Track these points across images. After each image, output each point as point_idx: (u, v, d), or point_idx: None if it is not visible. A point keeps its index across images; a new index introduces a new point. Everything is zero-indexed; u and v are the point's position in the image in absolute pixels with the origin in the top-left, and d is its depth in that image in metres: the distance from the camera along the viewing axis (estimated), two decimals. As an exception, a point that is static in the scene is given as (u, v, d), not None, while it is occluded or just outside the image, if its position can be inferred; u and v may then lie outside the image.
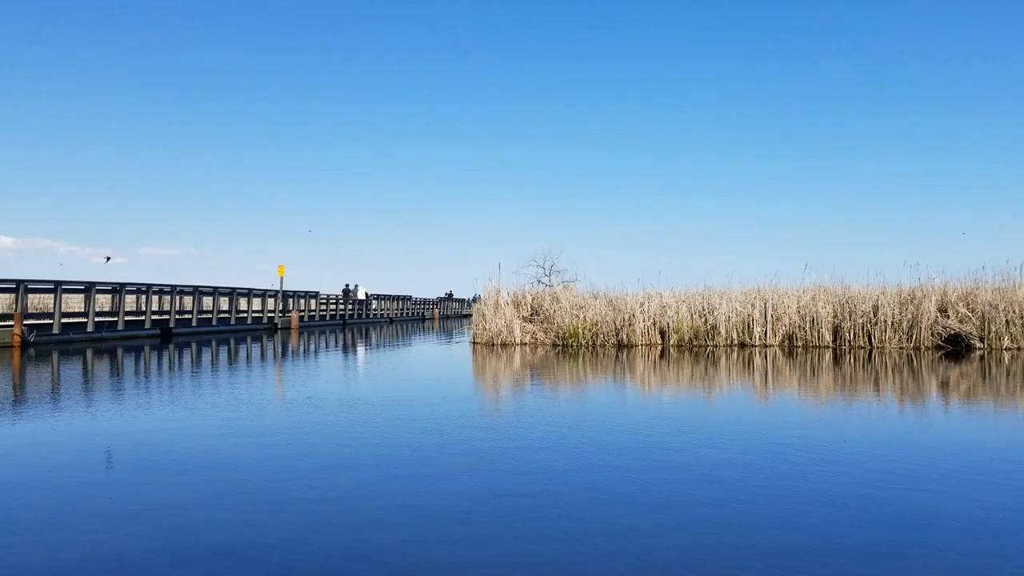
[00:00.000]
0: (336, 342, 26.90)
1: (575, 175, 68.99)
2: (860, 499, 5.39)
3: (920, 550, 4.33)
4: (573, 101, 68.32)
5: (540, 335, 23.36)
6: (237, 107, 69.69)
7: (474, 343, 23.77)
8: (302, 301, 38.72)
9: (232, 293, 32.09)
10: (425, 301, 62.44)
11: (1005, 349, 19.80)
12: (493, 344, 23.05)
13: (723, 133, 62.72)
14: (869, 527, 4.73)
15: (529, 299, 24.98)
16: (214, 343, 23.97)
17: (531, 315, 24.47)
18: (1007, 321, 20.09)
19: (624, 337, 22.54)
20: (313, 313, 40.25)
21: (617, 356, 19.19)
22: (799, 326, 21.79)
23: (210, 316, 30.54)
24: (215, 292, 30.97)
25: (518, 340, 23.14)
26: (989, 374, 14.72)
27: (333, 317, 43.31)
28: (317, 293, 41.04)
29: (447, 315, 66.34)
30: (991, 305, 20.27)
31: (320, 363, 17.90)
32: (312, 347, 23.54)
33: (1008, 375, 14.45)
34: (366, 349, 23.80)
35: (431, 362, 19.45)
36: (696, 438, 7.80)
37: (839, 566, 4.06)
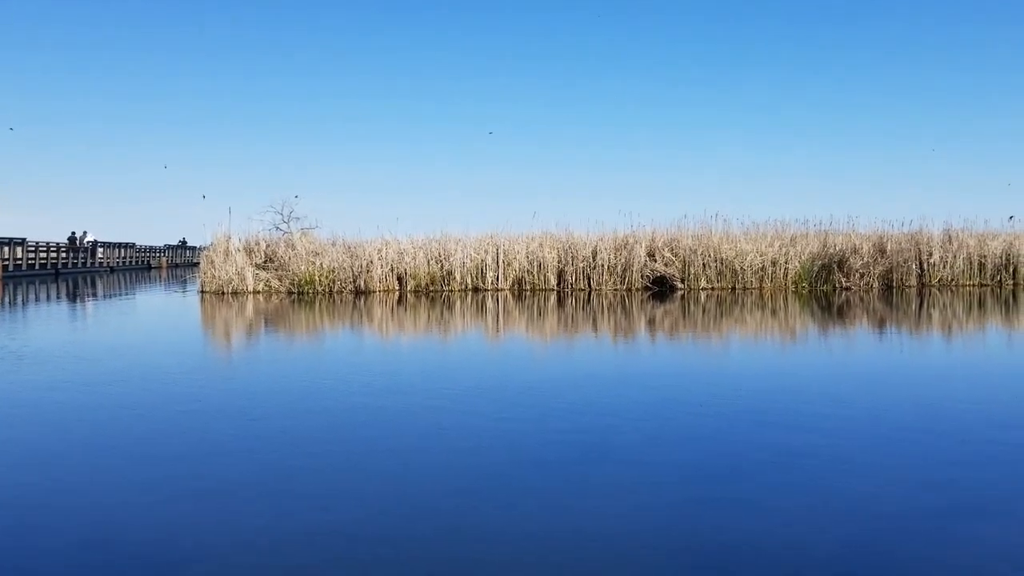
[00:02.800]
0: (41, 294, 24.50)
1: (315, 120, 67.04)
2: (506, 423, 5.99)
3: (597, 461, 4.94)
4: (318, 49, 66.10)
5: (275, 283, 22.82)
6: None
7: (203, 292, 22.73)
8: (5, 249, 34.70)
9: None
10: (151, 249, 58.16)
11: (702, 289, 22.30)
12: (223, 293, 22.19)
13: (456, 82, 63.76)
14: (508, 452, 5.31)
15: (263, 246, 24.25)
16: None
17: (265, 262, 23.79)
18: (704, 264, 22.60)
19: (362, 284, 22.64)
20: (19, 262, 36.23)
21: (354, 303, 19.28)
22: (528, 271, 23.05)
23: None
24: None
25: (250, 288, 22.46)
26: (687, 311, 16.59)
27: (44, 266, 39.24)
28: (24, 240, 36.88)
29: (177, 263, 62.35)
30: (691, 250, 22.68)
31: None
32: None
33: (703, 312, 16.35)
34: (71, 300, 21.95)
35: (137, 313, 18.39)
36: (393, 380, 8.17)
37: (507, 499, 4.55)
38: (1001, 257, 23.70)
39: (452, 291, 22.60)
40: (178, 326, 15.54)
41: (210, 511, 4.09)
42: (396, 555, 3.48)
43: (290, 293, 22.18)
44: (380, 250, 23.06)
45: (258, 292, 22.39)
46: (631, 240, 23.20)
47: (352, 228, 47.87)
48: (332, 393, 7.38)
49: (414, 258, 22.96)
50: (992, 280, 23.58)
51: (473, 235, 24.20)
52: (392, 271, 22.90)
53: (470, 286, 22.98)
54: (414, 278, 22.82)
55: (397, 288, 22.78)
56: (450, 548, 3.56)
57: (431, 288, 22.86)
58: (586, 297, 20.61)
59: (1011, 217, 25.54)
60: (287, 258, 23.24)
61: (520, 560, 3.42)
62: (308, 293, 22.06)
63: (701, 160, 56.27)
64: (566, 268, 23.00)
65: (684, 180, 54.81)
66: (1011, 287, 22.86)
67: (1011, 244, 23.81)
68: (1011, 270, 23.62)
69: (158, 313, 19.10)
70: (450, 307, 17.96)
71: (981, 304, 17.79)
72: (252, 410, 6.68)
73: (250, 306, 18.55)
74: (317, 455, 5.14)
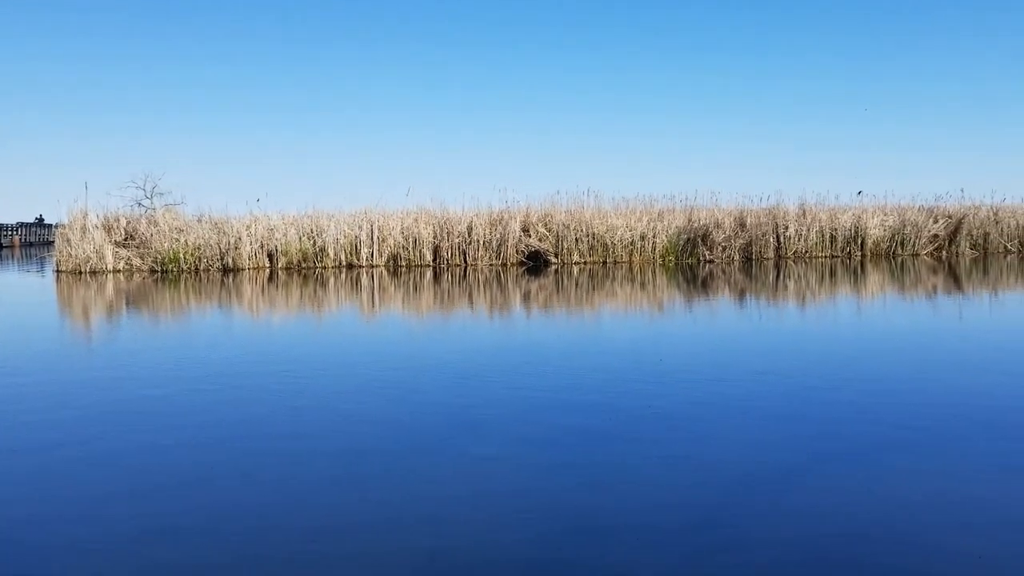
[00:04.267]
0: None
1: (179, 89, 63.82)
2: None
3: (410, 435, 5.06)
4: (179, 12, 62.78)
5: (136, 261, 21.82)
6: None
7: (58, 271, 21.51)
8: None
9: None
10: (1, 227, 54.15)
11: (575, 263, 22.78)
12: (81, 272, 21.06)
13: (327, 50, 62.03)
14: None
15: (123, 223, 23.11)
16: None
17: (126, 239, 22.69)
18: (576, 239, 23.07)
19: (230, 261, 21.95)
20: None
21: (222, 281, 18.70)
22: (403, 247, 22.92)
23: None
24: None
25: (110, 267, 21.41)
26: (560, 285, 16.94)
27: None
28: None
29: (31, 242, 58.40)
30: (564, 225, 23.10)
31: None
32: None
33: (576, 285, 16.74)
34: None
35: None
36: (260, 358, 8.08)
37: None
38: (850, 230, 25.21)
39: (325, 268, 22.23)
40: (28, 306, 14.69)
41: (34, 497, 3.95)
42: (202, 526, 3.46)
43: (153, 272, 21.28)
44: (249, 226, 22.39)
45: (118, 271, 21.38)
46: (506, 216, 23.40)
47: (220, 204, 46.12)
48: (173, 378, 7.19)
49: (285, 234, 22.43)
50: (842, 252, 25.09)
51: (347, 210, 23.85)
52: (262, 248, 22.30)
53: (344, 263, 22.66)
54: (285, 255, 22.31)
55: (268, 265, 22.21)
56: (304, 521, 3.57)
57: (303, 265, 22.41)
58: (462, 272, 20.71)
59: (860, 192, 27.23)
60: (149, 235, 22.24)
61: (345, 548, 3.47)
62: (172, 271, 21.22)
63: (573, 136, 57.15)
64: (442, 244, 23.00)
65: (557, 156, 55.54)
66: (859, 258, 24.41)
67: (859, 218, 25.37)
68: (859, 242, 25.19)
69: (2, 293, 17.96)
70: (323, 284, 17.70)
71: (832, 274, 18.95)
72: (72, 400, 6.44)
73: (110, 286, 17.71)
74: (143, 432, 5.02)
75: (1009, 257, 24.65)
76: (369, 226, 22.89)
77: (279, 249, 22.27)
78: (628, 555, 3.13)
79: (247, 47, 59.23)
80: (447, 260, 22.93)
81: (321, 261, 22.54)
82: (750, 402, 5.75)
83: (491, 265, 22.72)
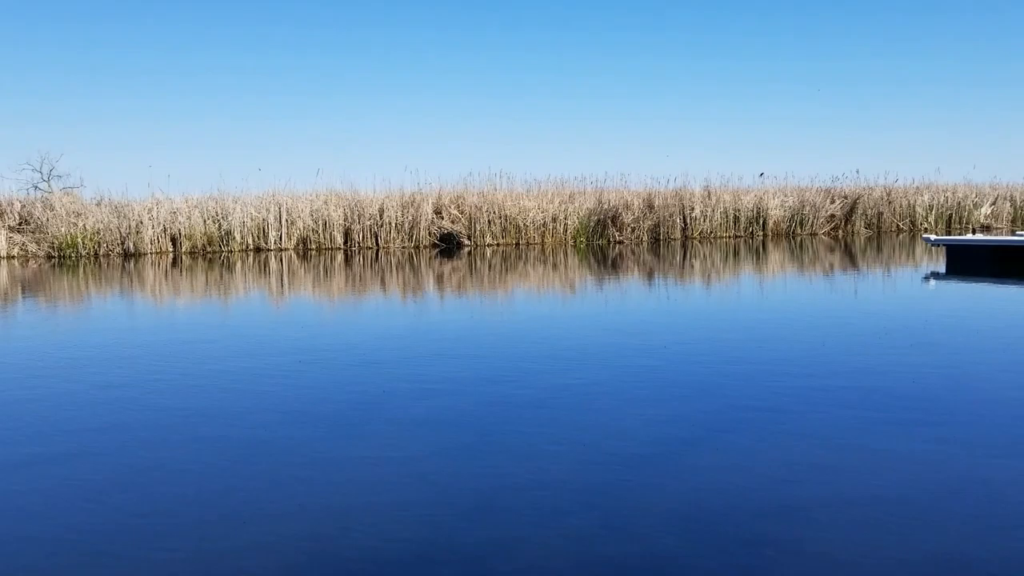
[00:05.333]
0: None
1: (77, 71, 60.94)
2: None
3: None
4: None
5: (32, 247, 20.90)
6: None
7: (-56, 258, 20.44)
8: None
9: None
10: None
11: (487, 245, 22.86)
12: (-30, 259, 20.06)
13: (232, 30, 60.21)
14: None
15: (18, 206, 22.09)
16: None
17: (20, 224, 21.69)
18: (489, 221, 23.15)
19: (131, 246, 21.24)
20: None
21: (123, 266, 18.11)
22: (313, 229, 22.59)
23: None
24: None
25: (3, 253, 20.45)
26: (474, 267, 17.01)
27: None
28: None
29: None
30: (477, 207, 23.14)
31: None
32: None
33: (489, 267, 16.83)
34: None
35: None
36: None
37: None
38: (753, 211, 26.01)
39: (232, 252, 21.74)
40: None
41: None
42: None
43: (50, 257, 20.43)
44: (151, 209, 21.69)
45: (12, 257, 20.45)
46: (418, 198, 23.30)
47: (120, 186, 44.39)
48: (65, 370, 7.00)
49: (189, 217, 21.82)
50: (745, 232, 25.88)
51: (254, 192, 23.35)
52: (165, 232, 21.65)
53: (251, 246, 22.21)
54: (189, 239, 21.71)
55: (171, 250, 21.58)
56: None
57: (209, 249, 21.86)
58: (374, 255, 20.56)
59: (761, 174, 28.12)
60: (45, 219, 21.31)
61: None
62: (71, 257, 20.41)
63: (485, 119, 57.05)
64: (353, 226, 22.76)
65: (469, 138, 55.37)
66: (761, 238, 25.23)
67: (761, 199, 26.19)
68: (761, 222, 26.02)
69: None
70: (230, 269, 17.32)
71: (736, 253, 19.56)
72: None
73: (3, 273, 16.93)
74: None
75: (901, 235, 25.87)
76: (277, 209, 22.47)
77: (183, 233, 21.66)
78: (515, 532, 3.23)
79: (144, 27, 57.03)
80: (358, 243, 22.71)
81: (227, 245, 22.03)
82: (639, 381, 5.94)
83: (403, 248, 22.61)
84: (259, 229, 22.36)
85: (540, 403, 5.23)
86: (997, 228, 27.89)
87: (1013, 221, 29.26)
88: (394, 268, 16.90)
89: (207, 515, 3.51)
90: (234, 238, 22.05)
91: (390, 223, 22.84)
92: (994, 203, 29.16)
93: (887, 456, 4.03)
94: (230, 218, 22.08)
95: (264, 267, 17.60)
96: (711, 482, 3.71)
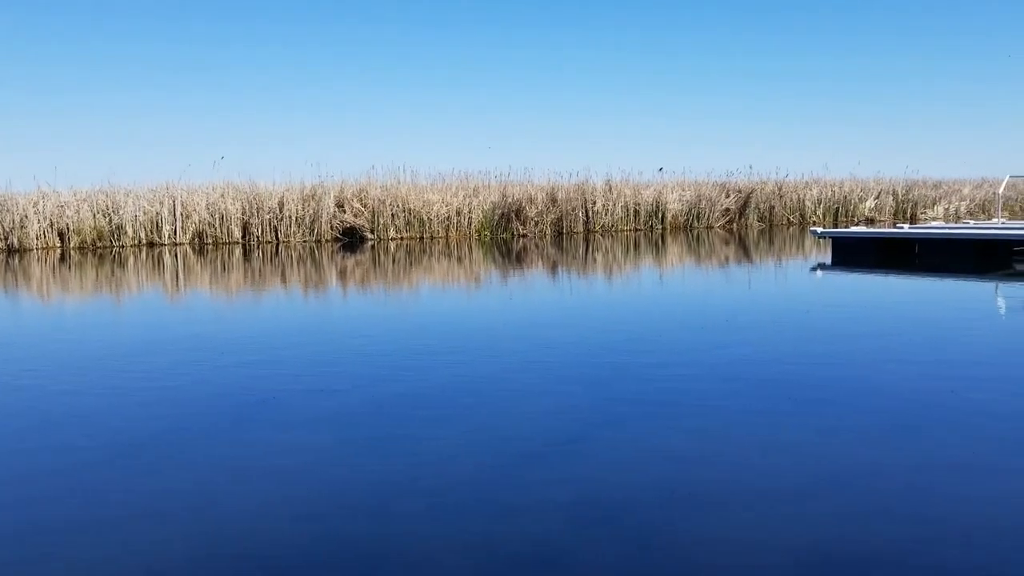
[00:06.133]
0: None
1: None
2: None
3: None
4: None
5: (-99, 242, 19.65)
6: None
7: None
8: None
9: None
10: None
11: (391, 239, 22.70)
12: None
13: (129, 22, 57.80)
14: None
15: None
16: None
17: None
18: (393, 215, 22.98)
19: (15, 241, 20.22)
20: None
21: (7, 263, 17.23)
22: (209, 223, 21.97)
23: None
24: None
25: None
26: (377, 261, 16.88)
27: None
28: None
29: None
30: (380, 201, 22.93)
31: None
32: None
33: (393, 261, 16.73)
34: None
35: None
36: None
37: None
38: (652, 205, 26.63)
39: (124, 247, 20.95)
40: None
41: None
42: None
43: (-78, 254, 19.26)
44: (36, 203, 20.70)
45: None
46: (319, 191, 22.93)
47: (2, 180, 42.08)
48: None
49: (77, 211, 20.92)
50: (645, 225, 26.47)
51: (146, 185, 22.54)
52: (52, 226, 20.69)
53: (144, 241, 21.45)
54: (78, 234, 20.81)
55: (59, 245, 20.65)
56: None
57: (99, 244, 21.00)
58: (274, 250, 20.15)
59: (661, 169, 28.79)
60: (-85, 214, 20.08)
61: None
62: (-54, 253, 19.28)
63: (388, 111, 56.48)
64: (251, 220, 22.24)
65: (372, 131, 54.69)
66: (660, 231, 25.86)
67: (660, 193, 26.83)
68: (660, 216, 26.66)
69: None
70: (121, 264, 16.71)
71: (636, 246, 20.00)
72: None
73: None
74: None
75: (791, 228, 26.93)
76: (171, 202, 21.76)
77: (71, 227, 20.75)
78: (407, 529, 3.27)
79: (30, 13, 54.20)
80: (258, 237, 22.20)
81: (119, 240, 21.21)
82: (534, 374, 6.05)
83: (304, 242, 22.23)
84: (152, 223, 21.61)
85: (432, 401, 5.23)
86: (880, 221, 29.33)
87: (895, 214, 30.83)
88: (295, 263, 16.62)
89: (78, 523, 3.41)
90: (126, 233, 21.25)
91: (290, 217, 22.41)
92: (878, 197, 30.65)
93: (775, 445, 4.23)
94: (121, 212, 21.26)
95: (158, 262, 17.04)
96: (603, 475, 3.80)
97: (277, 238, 22.34)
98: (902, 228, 16.93)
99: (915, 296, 10.77)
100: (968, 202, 32.06)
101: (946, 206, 31.77)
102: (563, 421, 4.68)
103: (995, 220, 19.46)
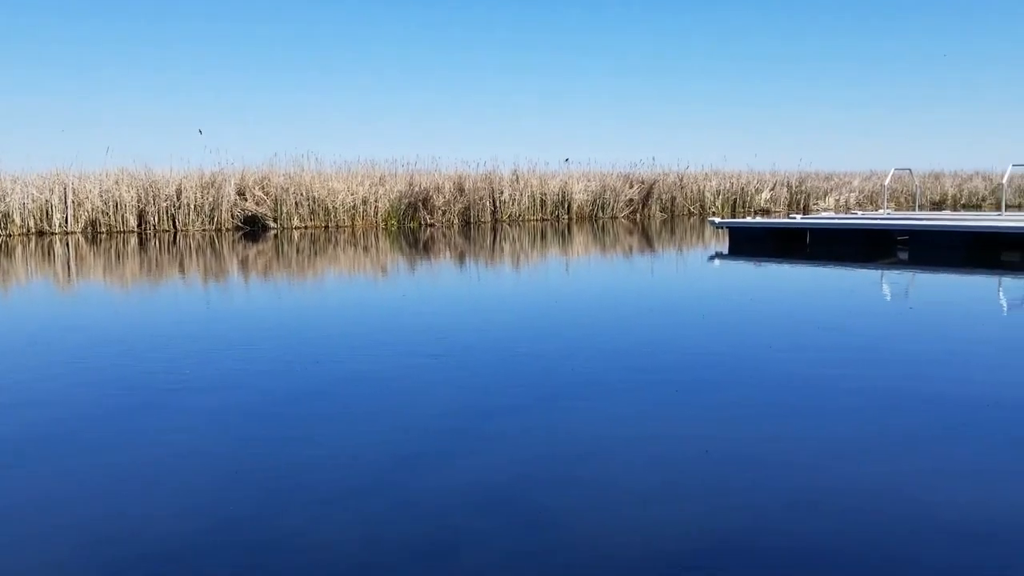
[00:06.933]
0: None
1: None
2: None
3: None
4: None
5: None
6: None
7: None
8: None
9: None
10: None
11: (295, 228, 22.31)
12: None
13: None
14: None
15: None
16: None
17: None
18: (296, 203, 22.58)
19: None
20: None
21: None
22: (103, 211, 21.15)
23: None
24: None
25: None
26: (280, 250, 16.57)
27: None
28: None
29: None
30: (283, 189, 22.50)
31: None
32: None
33: (297, 251, 16.46)
34: None
35: None
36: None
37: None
38: (559, 195, 26.94)
39: (11, 236, 19.96)
40: None
41: None
42: None
43: None
44: (-89, 189, 19.51)
45: None
46: (219, 178, 22.33)
47: None
48: None
49: (-43, 199, 19.81)
50: (551, 215, 26.77)
51: (35, 172, 21.51)
52: (-71, 214, 19.55)
53: (34, 230, 20.49)
54: (-40, 222, 19.72)
55: (-63, 234, 19.53)
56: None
57: (-17, 233, 19.95)
58: (171, 238, 19.54)
59: (567, 160, 29.15)
60: None
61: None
62: None
63: (291, 98, 55.24)
64: (148, 208, 21.50)
65: (274, 118, 53.40)
66: (567, 221, 26.19)
67: (566, 183, 27.17)
68: (566, 206, 27.00)
69: None
70: (9, 255, 15.92)
71: (543, 236, 20.22)
72: None
73: None
74: None
75: (692, 219, 27.68)
76: (62, 189, 20.83)
77: (-50, 215, 19.65)
78: (302, 515, 3.28)
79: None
80: (154, 226, 21.49)
81: (6, 229, 20.20)
82: (430, 368, 6.11)
83: (204, 231, 21.63)
84: (41, 211, 20.66)
85: (329, 395, 5.21)
86: (775, 211, 30.44)
87: (789, 205, 32.04)
88: (193, 252, 16.16)
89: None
90: (13, 221, 20.26)
91: (189, 205, 21.76)
92: (773, 189, 31.78)
93: (667, 428, 4.38)
94: (8, 199, 20.24)
95: (48, 252, 16.30)
96: (501, 463, 3.86)
97: (175, 227, 21.67)
98: (795, 219, 17.64)
99: (805, 284, 11.25)
100: (857, 193, 33.60)
101: (837, 197, 33.21)
102: (462, 411, 4.74)
103: (882, 211, 20.48)
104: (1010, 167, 18.58)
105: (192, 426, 4.45)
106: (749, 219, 18.71)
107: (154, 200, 21.50)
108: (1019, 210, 25.18)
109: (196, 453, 4.02)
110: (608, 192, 27.73)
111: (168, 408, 4.84)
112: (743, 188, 31.02)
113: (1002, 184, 19.84)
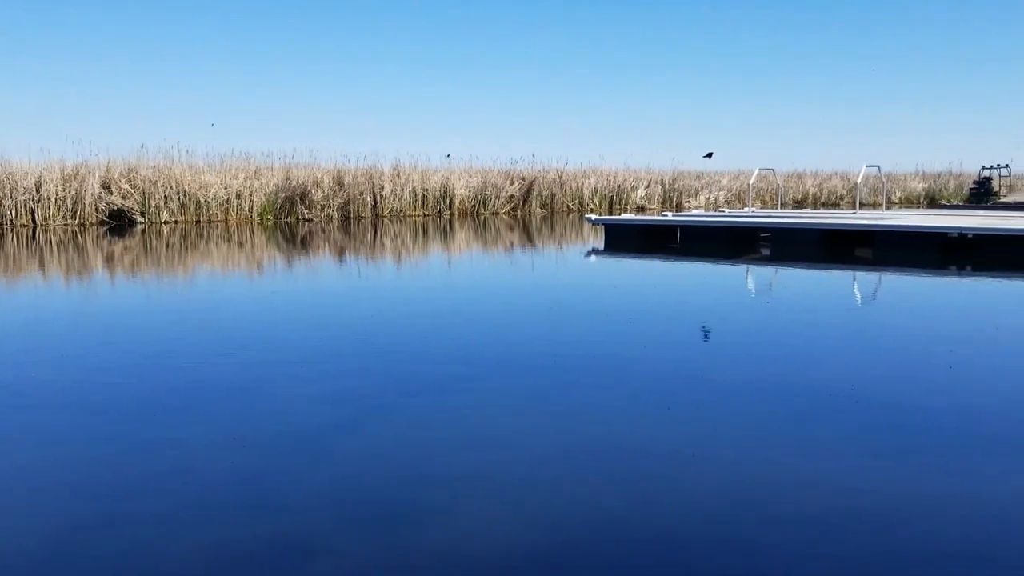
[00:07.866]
0: None
1: None
2: None
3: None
4: None
5: None
6: None
7: None
8: None
9: None
10: None
11: (164, 223, 21.47)
12: None
13: None
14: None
15: None
16: None
17: None
18: (166, 197, 21.73)
19: None
20: None
21: None
22: (-48, 204, 19.76)
23: None
24: None
25: None
26: (148, 246, 15.94)
27: None
28: None
29: None
30: (151, 182, 21.60)
31: None
32: None
33: (166, 247, 15.87)
34: None
35: None
36: None
37: None
38: (440, 190, 26.93)
39: None
40: None
41: None
42: None
43: None
44: None
45: None
46: (83, 171, 21.23)
47: None
48: None
49: None
50: (433, 211, 26.75)
51: None
52: None
53: None
54: None
55: None
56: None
57: None
58: (30, 233, 18.49)
59: (448, 155, 29.18)
60: None
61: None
62: None
63: (158, 89, 52.94)
64: (3, 201, 20.23)
65: (141, 109, 51.06)
66: (448, 217, 26.24)
67: (447, 179, 27.20)
68: (448, 202, 27.03)
69: None
70: None
71: (424, 231, 20.20)
72: None
73: None
74: None
75: (571, 215, 28.21)
76: (-96, 180, 19.35)
77: None
78: (156, 512, 3.25)
79: None
80: (11, 220, 20.24)
81: None
82: (305, 362, 6.08)
83: (66, 225, 20.54)
84: None
85: (188, 398, 5.10)
86: (650, 208, 31.37)
87: (663, 203, 33.09)
88: (54, 248, 15.35)
89: None
90: None
91: (49, 198, 20.60)
92: (648, 187, 32.75)
93: (540, 421, 4.52)
94: None
95: None
96: (367, 461, 3.87)
97: (34, 221, 20.48)
98: (667, 216, 18.27)
99: (672, 279, 11.70)
100: (726, 192, 35.01)
101: (707, 196, 34.52)
102: (333, 407, 4.74)
103: (747, 209, 21.45)
104: (864, 167, 19.84)
105: (42, 428, 4.28)
106: (624, 216, 19.25)
107: (11, 193, 20.25)
108: (873, 208, 26.91)
109: (47, 456, 3.87)
110: (490, 188, 27.93)
111: (13, 408, 4.63)
112: (620, 186, 31.83)
113: (857, 184, 21.14)
